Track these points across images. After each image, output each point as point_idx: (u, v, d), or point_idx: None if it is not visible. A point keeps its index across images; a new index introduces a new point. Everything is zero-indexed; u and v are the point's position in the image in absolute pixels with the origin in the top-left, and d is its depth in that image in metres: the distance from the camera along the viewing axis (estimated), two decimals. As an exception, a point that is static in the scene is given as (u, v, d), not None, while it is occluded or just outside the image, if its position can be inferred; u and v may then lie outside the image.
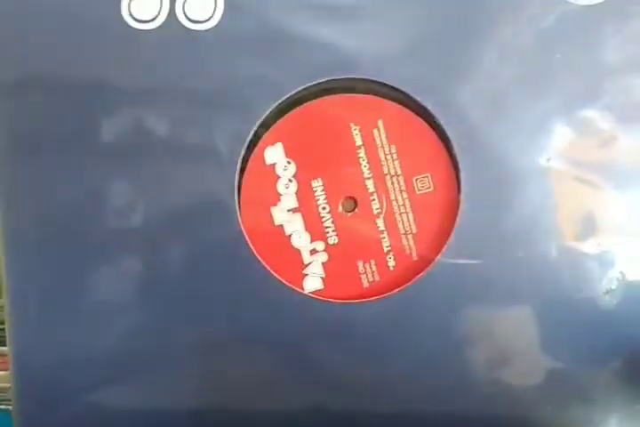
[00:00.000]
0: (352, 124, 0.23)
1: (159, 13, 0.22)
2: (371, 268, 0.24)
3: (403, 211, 0.24)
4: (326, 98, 0.23)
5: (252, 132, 0.23)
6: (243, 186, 0.23)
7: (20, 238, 0.23)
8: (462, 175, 0.23)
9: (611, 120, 0.23)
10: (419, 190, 0.24)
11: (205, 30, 0.22)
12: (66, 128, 0.23)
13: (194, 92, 0.23)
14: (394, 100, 0.23)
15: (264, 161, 0.24)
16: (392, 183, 0.24)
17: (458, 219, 0.23)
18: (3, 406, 0.30)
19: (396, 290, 0.23)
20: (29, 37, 0.22)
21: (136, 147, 0.23)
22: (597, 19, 0.22)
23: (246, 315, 0.23)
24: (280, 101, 0.23)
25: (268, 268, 0.23)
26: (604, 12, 0.22)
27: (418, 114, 0.23)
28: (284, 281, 0.23)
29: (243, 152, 0.23)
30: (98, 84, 0.22)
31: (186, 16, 0.22)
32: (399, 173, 0.23)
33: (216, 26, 0.22)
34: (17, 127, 0.23)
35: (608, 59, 0.22)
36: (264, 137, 0.23)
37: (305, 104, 0.23)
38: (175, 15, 0.22)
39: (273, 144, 0.24)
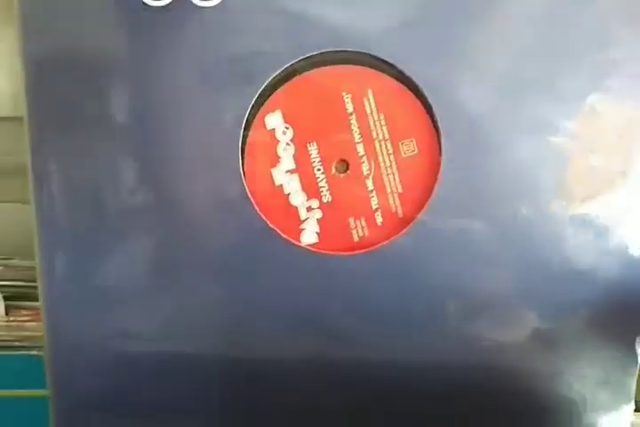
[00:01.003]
0: (344, 93, 0.26)
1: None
2: (361, 224, 0.26)
3: (390, 172, 0.26)
4: (321, 69, 0.26)
5: (253, 101, 0.25)
6: (246, 150, 0.26)
7: (50, 209, 0.26)
8: (443, 140, 0.25)
9: (589, 90, 0.25)
10: (404, 153, 0.26)
11: (211, 7, 0.24)
12: (82, 103, 0.25)
13: (201, 63, 0.25)
14: (382, 71, 0.26)
15: (265, 127, 0.26)
16: (380, 147, 0.26)
17: (439, 180, 0.26)
18: (34, 352, 0.33)
19: (383, 244, 0.26)
20: (52, 14, 0.24)
21: (147, 116, 0.25)
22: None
23: (249, 267, 0.26)
24: (278, 72, 0.25)
25: (269, 223, 0.26)
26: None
27: (403, 83, 0.25)
28: (283, 235, 0.26)
29: (245, 119, 0.25)
30: (108, 58, 0.25)
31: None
32: (387, 137, 0.26)
33: (221, 2, 0.24)
34: (45, 107, 0.25)
35: (591, 34, 0.25)
36: (265, 105, 0.26)
37: (302, 75, 0.26)
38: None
39: (273, 111, 0.26)
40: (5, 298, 0.33)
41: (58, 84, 0.25)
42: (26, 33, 0.24)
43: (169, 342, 0.28)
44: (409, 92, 0.26)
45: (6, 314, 0.33)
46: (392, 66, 0.25)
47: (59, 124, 0.25)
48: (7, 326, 0.32)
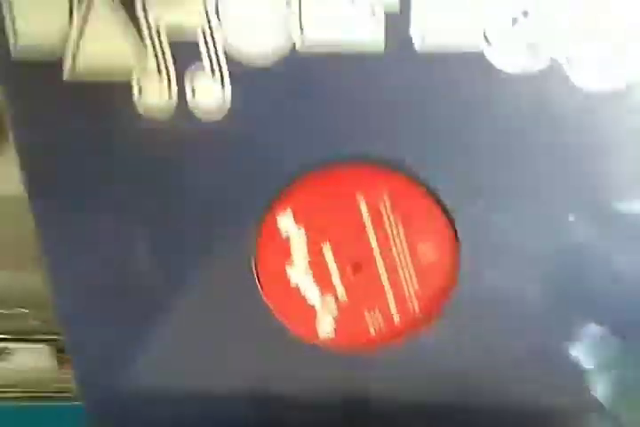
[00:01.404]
0: (358, 195, 0.25)
1: (169, 104, 0.23)
2: (378, 322, 0.26)
3: (407, 274, 0.25)
4: (332, 167, 0.24)
5: (263, 203, 0.25)
6: (258, 250, 0.25)
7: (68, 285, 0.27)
8: (461, 243, 0.24)
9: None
10: (422, 256, 0.25)
11: (214, 122, 0.23)
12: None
13: (207, 173, 0.24)
14: (397, 170, 0.24)
15: (277, 227, 0.25)
16: (396, 249, 0.25)
17: (458, 283, 0.25)
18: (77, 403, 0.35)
19: (399, 343, 0.26)
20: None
21: (155, 223, 0.25)
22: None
23: (264, 367, 0.27)
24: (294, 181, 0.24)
25: (284, 322, 0.26)
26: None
27: (421, 186, 0.24)
28: (297, 334, 0.26)
29: (257, 221, 0.25)
30: (109, 174, 0.24)
31: (195, 107, 0.23)
32: (403, 240, 0.25)
33: (224, 117, 0.23)
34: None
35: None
36: (276, 205, 0.25)
37: (314, 173, 0.25)
38: (186, 106, 0.23)
39: (284, 210, 0.25)
40: (58, 351, 0.36)
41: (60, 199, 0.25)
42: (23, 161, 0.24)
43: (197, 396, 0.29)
44: (427, 194, 0.24)
45: (59, 366, 0.35)
46: (406, 167, 0.24)
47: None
48: (58, 378, 0.35)
